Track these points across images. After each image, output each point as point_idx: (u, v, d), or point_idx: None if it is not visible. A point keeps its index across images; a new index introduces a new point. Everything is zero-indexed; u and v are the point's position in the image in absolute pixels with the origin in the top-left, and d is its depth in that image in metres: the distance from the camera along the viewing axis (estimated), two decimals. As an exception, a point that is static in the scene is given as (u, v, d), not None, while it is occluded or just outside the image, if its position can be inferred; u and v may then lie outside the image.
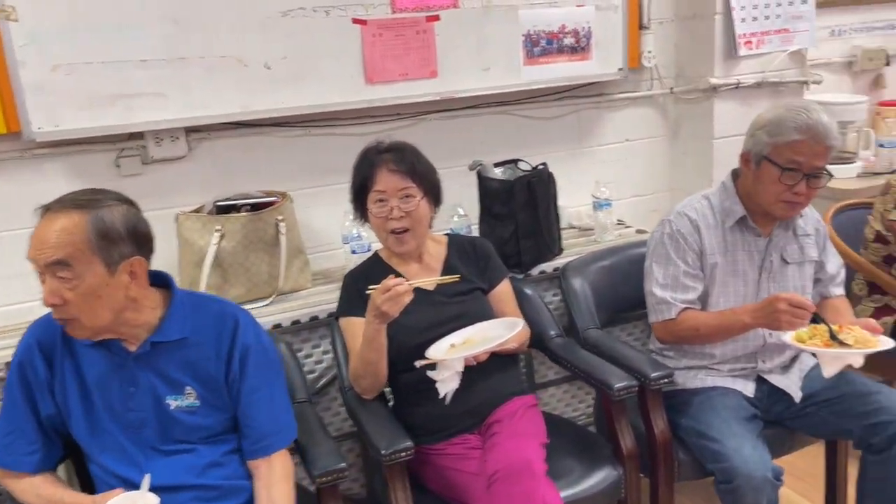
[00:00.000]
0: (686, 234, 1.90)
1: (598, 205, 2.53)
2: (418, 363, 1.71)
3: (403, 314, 1.74)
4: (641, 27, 2.64)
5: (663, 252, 1.93)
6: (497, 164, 2.39)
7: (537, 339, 2.07)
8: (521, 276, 2.31)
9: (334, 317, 1.91)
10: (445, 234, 2.00)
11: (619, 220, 2.70)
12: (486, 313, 1.89)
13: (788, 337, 1.75)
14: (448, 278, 1.79)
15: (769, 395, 1.91)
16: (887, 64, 3.09)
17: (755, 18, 2.62)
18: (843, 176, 2.82)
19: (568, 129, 2.69)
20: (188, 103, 2.11)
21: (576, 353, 1.98)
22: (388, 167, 1.78)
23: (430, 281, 1.77)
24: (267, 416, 1.53)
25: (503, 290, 1.96)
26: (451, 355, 1.69)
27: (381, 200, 1.79)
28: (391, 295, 1.60)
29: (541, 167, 2.34)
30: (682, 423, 1.87)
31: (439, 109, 2.47)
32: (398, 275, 1.85)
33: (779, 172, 1.78)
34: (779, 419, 1.92)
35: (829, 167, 2.82)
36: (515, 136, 2.61)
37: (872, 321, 1.78)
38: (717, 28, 2.59)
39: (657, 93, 2.77)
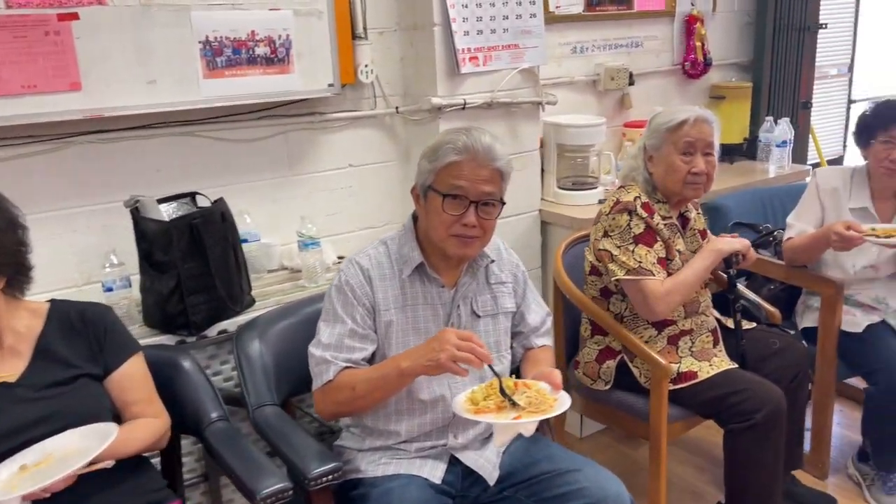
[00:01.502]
0: (355, 287, 1.57)
1: (304, 244, 2.16)
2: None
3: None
4: (356, 37, 2.30)
5: (331, 308, 1.59)
6: (165, 200, 1.95)
7: (192, 425, 1.65)
8: (193, 340, 1.88)
9: None
10: (49, 301, 1.52)
11: (341, 258, 2.34)
12: (94, 409, 1.44)
13: (461, 399, 1.48)
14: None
15: (464, 476, 1.62)
16: (631, 83, 2.98)
17: (480, 32, 2.36)
18: (583, 203, 2.65)
19: (275, 154, 2.30)
20: None
21: (230, 444, 1.57)
22: None
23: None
24: None
25: (128, 373, 1.51)
26: (3, 493, 1.23)
27: None
28: None
29: (216, 203, 1.93)
30: (358, 524, 1.52)
31: (93, 130, 1.98)
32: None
33: (442, 200, 1.52)
34: (477, 504, 1.63)
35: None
36: (207, 163, 2.18)
37: (557, 375, 1.53)
38: (437, 41, 2.30)
39: (382, 112, 2.45)
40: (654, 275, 1.95)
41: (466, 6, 2.31)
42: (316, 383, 1.58)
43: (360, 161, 2.46)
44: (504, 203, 1.58)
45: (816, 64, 3.64)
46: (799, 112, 3.47)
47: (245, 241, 2.18)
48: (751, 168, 3.22)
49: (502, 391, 1.44)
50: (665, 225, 2.03)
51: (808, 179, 2.73)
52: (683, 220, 2.13)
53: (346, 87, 2.33)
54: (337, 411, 1.59)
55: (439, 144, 1.55)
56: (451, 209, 1.53)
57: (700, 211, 2.21)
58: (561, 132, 2.64)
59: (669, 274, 2.01)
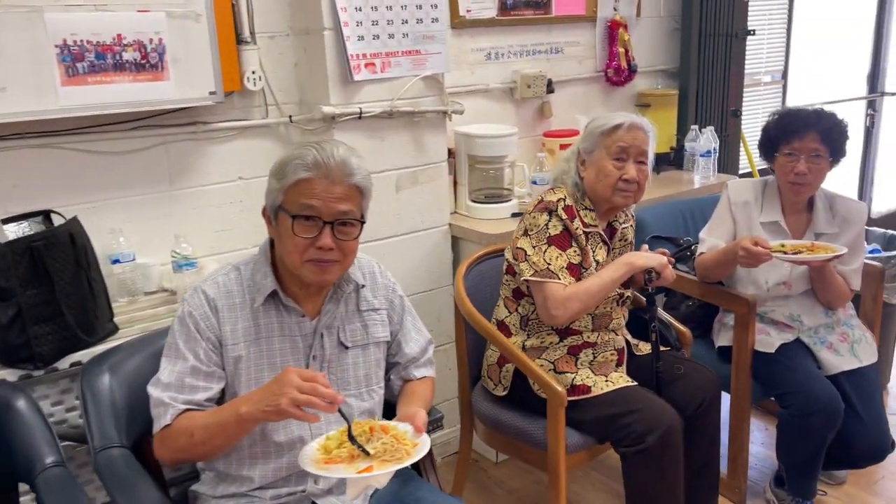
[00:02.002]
0: (199, 319, 1.42)
1: (178, 265, 2.00)
2: None
3: None
4: (241, 41, 2.14)
5: (173, 342, 1.44)
6: (14, 219, 1.78)
7: (24, 472, 1.48)
8: (41, 374, 1.71)
9: None
10: None
11: (230, 278, 2.18)
12: None
13: (312, 447, 1.34)
14: None
15: (326, 525, 1.47)
16: (551, 91, 2.87)
17: (377, 37, 2.22)
18: (496, 217, 2.52)
19: (153, 167, 2.13)
20: None
21: (60, 494, 1.41)
22: None
23: None
24: None
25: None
26: None
27: None
28: None
29: (67, 223, 1.76)
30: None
31: (-67, 143, 1.80)
32: None
33: (292, 222, 1.38)
34: (337, 553, 1.48)
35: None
36: (73, 178, 2.00)
37: (420, 416, 1.40)
38: (328, 46, 2.16)
39: (275, 121, 2.29)
40: (559, 279, 1.86)
41: (360, 10, 2.17)
42: (154, 427, 1.42)
43: (252, 173, 2.29)
44: (364, 222, 1.45)
45: (749, 71, 3.57)
46: (728, 120, 3.39)
47: (117, 261, 2.03)
48: (677, 178, 3.13)
49: (351, 438, 1.30)
50: (587, 232, 1.95)
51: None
52: (612, 230, 2.04)
53: (234, 95, 2.18)
54: (176, 458, 1.43)
55: (287, 160, 1.40)
56: (302, 231, 1.38)
57: (633, 223, 2.11)
58: (471, 143, 2.52)
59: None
